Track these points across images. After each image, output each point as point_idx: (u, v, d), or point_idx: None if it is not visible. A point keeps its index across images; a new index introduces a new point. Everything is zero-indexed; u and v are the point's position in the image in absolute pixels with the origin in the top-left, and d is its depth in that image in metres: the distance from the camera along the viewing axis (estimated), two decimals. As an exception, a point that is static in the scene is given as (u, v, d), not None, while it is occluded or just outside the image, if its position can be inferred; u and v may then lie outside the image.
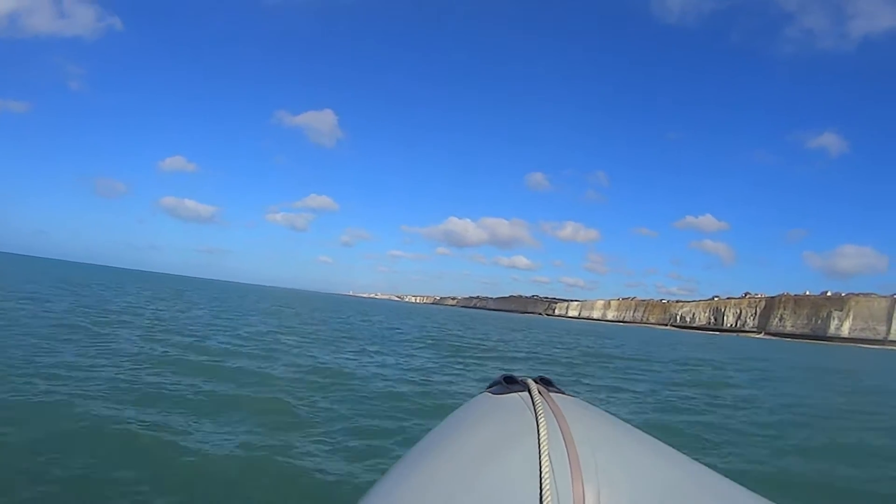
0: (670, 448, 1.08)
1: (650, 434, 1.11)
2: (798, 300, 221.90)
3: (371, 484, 1.02)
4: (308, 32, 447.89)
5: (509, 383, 1.20)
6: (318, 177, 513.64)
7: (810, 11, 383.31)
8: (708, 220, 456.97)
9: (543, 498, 0.89)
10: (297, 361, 11.25)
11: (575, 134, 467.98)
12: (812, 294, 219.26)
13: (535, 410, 1.05)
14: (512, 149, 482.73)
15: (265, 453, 5.17)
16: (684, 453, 1.08)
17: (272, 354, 11.90)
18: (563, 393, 1.17)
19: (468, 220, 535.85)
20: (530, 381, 1.17)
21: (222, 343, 12.95)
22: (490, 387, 1.24)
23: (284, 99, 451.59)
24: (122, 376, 7.73)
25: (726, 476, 1.03)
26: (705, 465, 1.05)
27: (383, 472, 1.06)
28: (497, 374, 1.27)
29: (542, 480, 0.91)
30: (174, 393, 7.15)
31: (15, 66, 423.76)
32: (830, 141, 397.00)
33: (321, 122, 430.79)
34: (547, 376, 1.22)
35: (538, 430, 0.99)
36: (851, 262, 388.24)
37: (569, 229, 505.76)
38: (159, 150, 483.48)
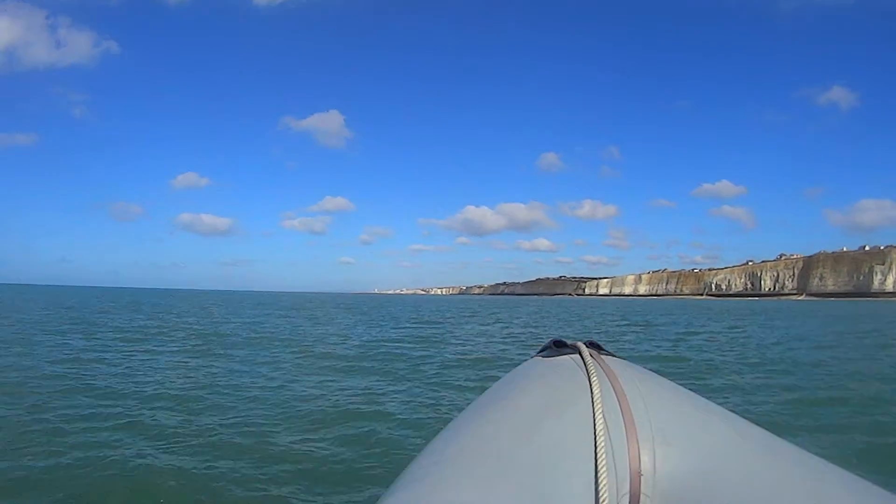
0: (724, 409, 1.06)
1: (703, 395, 1.10)
2: (837, 257, 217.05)
3: (426, 442, 1.04)
4: (305, 37, 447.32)
5: (559, 347, 1.20)
6: (331, 178, 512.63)
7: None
8: (725, 186, 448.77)
9: (598, 457, 0.90)
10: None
11: (582, 110, 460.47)
12: (850, 250, 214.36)
13: (587, 371, 1.05)
14: (521, 131, 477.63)
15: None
16: (740, 415, 1.05)
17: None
18: (614, 355, 1.17)
19: (486, 207, 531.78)
20: (580, 345, 1.17)
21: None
22: (540, 351, 1.24)
23: (289, 104, 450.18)
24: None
25: (788, 440, 1.01)
26: (761, 426, 1.03)
27: (436, 432, 1.07)
28: (546, 340, 1.27)
29: (597, 439, 0.92)
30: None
31: (17, 98, 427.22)
32: (839, 95, 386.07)
33: (328, 123, 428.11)
34: (596, 341, 1.20)
35: (591, 391, 0.99)
36: (872, 215, 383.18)
37: (587, 207, 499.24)
38: (170, 168, 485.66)
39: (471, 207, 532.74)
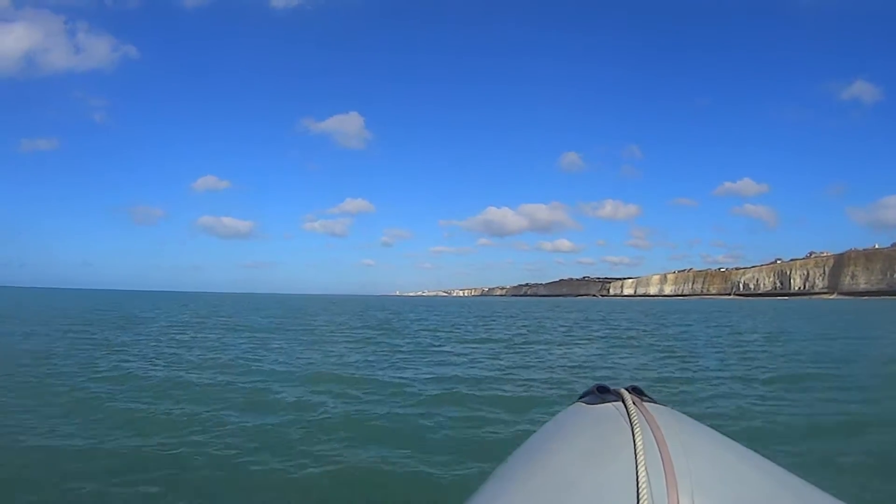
0: (767, 460, 1.07)
1: (746, 445, 1.10)
2: (869, 255, 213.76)
3: (471, 492, 1.06)
4: (323, 39, 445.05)
5: (602, 392, 1.21)
6: (351, 180, 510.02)
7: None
8: (747, 184, 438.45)
9: None
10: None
11: (603, 110, 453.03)
12: (883, 247, 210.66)
13: (630, 421, 1.06)
14: (542, 131, 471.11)
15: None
16: (782, 466, 1.06)
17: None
18: (656, 402, 1.17)
19: (507, 208, 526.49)
20: (623, 391, 1.18)
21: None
22: (582, 396, 1.26)
23: (308, 106, 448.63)
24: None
25: (826, 491, 1.00)
26: (804, 478, 1.03)
27: (482, 480, 1.09)
28: (590, 385, 1.28)
29: (640, 491, 0.91)
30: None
31: (38, 104, 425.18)
32: (862, 89, 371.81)
33: (348, 125, 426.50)
34: (638, 385, 1.22)
35: (634, 441, 1.00)
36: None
37: (608, 207, 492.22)
38: (190, 171, 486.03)
39: (492, 208, 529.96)
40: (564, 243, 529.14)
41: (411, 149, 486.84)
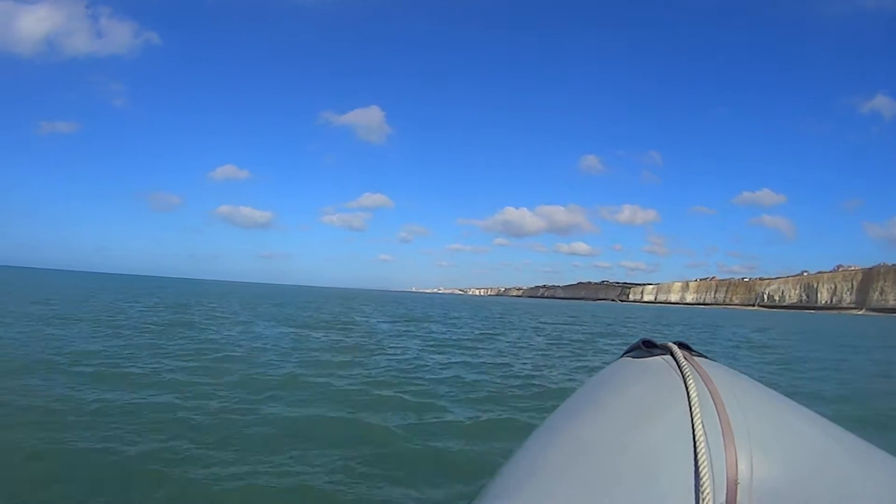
0: (824, 419, 1.04)
1: (798, 402, 1.07)
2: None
3: (519, 444, 1.04)
4: (345, 32, 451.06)
5: (649, 347, 1.18)
6: (371, 175, 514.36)
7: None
8: (765, 195, 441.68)
9: (699, 461, 0.88)
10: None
11: (624, 115, 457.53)
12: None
13: (682, 373, 1.03)
14: (563, 133, 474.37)
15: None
16: (835, 423, 1.03)
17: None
18: (706, 357, 1.14)
19: (525, 209, 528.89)
20: (672, 345, 1.15)
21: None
22: (628, 352, 1.22)
23: (329, 99, 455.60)
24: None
25: (879, 448, 0.99)
26: (865, 439, 1.01)
27: (528, 433, 1.07)
28: (636, 340, 1.24)
29: (696, 443, 0.90)
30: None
31: (59, 87, 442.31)
32: (882, 104, 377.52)
33: (368, 119, 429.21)
34: (686, 342, 1.17)
35: (688, 393, 0.97)
36: None
37: (626, 212, 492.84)
38: (209, 160, 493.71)
39: (510, 208, 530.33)
40: (581, 246, 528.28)
41: (431, 145, 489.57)
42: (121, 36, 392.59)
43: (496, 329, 22.10)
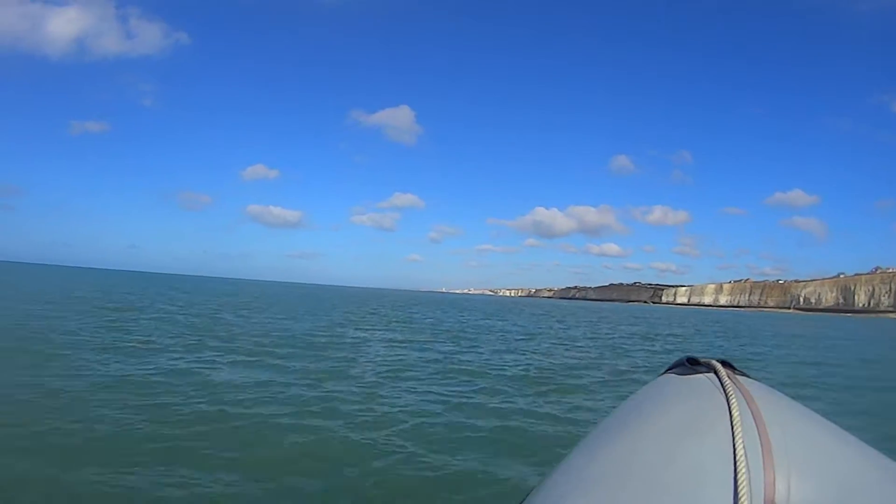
0: (866, 445, 1.03)
1: (839, 425, 1.07)
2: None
3: (561, 458, 1.05)
4: (375, 31, 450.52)
5: (693, 364, 1.19)
6: (401, 175, 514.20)
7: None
8: (798, 195, 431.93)
9: (739, 481, 0.88)
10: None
11: (656, 113, 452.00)
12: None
13: (725, 392, 1.04)
14: (593, 132, 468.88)
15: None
16: (876, 448, 1.02)
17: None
18: (749, 376, 1.15)
19: (555, 209, 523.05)
20: (715, 363, 1.15)
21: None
22: (671, 368, 1.24)
23: (359, 98, 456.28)
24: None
25: None
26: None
27: (571, 447, 1.08)
28: (680, 356, 1.25)
29: (737, 463, 0.90)
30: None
31: (89, 88, 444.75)
32: None
33: (398, 118, 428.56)
34: (728, 360, 1.19)
35: (731, 413, 0.98)
36: None
37: (657, 213, 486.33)
38: (239, 159, 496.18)
39: (540, 209, 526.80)
40: (612, 247, 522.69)
41: (461, 145, 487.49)
42: (150, 36, 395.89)
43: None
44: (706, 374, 1.14)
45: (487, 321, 30.32)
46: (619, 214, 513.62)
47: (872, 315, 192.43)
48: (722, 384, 1.07)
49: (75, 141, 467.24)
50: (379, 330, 19.46)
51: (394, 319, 26.03)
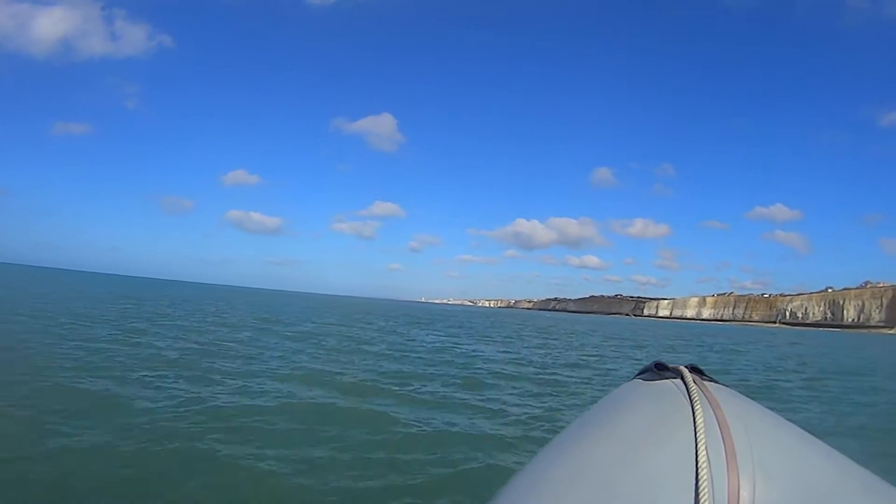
0: (832, 449, 1.03)
1: (805, 429, 1.08)
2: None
3: (523, 464, 1.05)
4: (358, 38, 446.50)
5: (660, 370, 1.19)
6: (382, 183, 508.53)
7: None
8: (779, 210, 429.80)
9: (700, 486, 0.88)
10: None
11: (638, 126, 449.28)
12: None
13: (689, 397, 1.04)
14: (575, 145, 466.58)
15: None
16: (841, 452, 1.03)
17: None
18: (716, 382, 1.15)
19: (536, 220, 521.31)
20: (683, 369, 1.16)
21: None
22: (640, 374, 1.24)
23: (341, 106, 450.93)
24: None
25: (884, 479, 0.97)
26: (871, 470, 1.00)
27: (534, 453, 1.08)
28: (648, 362, 1.26)
29: (699, 468, 0.90)
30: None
31: (73, 89, 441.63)
32: None
33: (380, 126, 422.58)
34: (697, 365, 1.19)
35: (694, 417, 0.98)
36: None
37: (638, 225, 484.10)
38: (221, 164, 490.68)
39: (521, 220, 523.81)
40: (592, 259, 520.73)
41: (443, 154, 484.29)
42: (135, 38, 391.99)
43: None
44: (673, 380, 1.14)
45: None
46: (600, 227, 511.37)
47: (863, 330, 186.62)
48: (688, 389, 1.07)
49: (59, 142, 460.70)
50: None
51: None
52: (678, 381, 1.12)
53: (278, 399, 8.21)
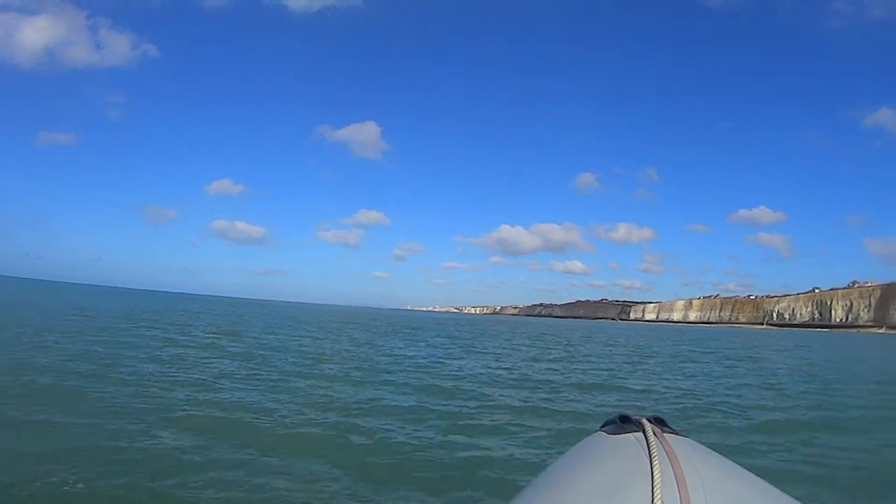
0: (785, 495, 1.06)
1: (765, 479, 1.10)
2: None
3: None
4: (342, 46, 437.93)
5: (624, 422, 1.21)
6: (367, 191, 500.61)
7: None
8: (763, 212, 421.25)
9: None
10: None
11: (622, 130, 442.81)
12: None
13: (649, 452, 1.05)
14: (559, 150, 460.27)
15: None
16: (799, 500, 1.05)
17: None
18: (677, 433, 1.17)
19: (520, 227, 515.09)
20: (645, 421, 1.17)
21: None
22: (604, 425, 1.26)
23: (325, 113, 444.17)
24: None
25: None
26: None
27: None
28: (613, 413, 1.27)
29: None
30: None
31: (58, 99, 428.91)
32: (886, 117, 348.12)
33: (364, 134, 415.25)
34: (661, 416, 1.21)
35: (652, 475, 0.99)
36: None
37: (622, 230, 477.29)
38: (204, 174, 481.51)
39: (506, 226, 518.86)
40: (576, 265, 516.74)
41: (427, 162, 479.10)
42: (119, 47, 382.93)
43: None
44: (634, 434, 1.15)
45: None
46: (584, 232, 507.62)
47: (852, 330, 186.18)
48: (648, 444, 1.08)
49: (43, 151, 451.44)
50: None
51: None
52: (640, 434, 1.12)
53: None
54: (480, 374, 14.46)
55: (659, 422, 1.18)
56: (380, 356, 18.26)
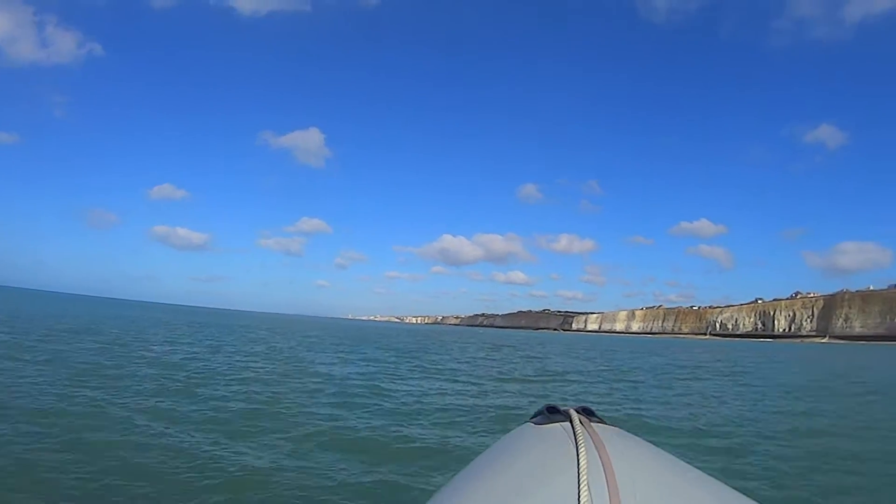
0: (713, 479, 1.07)
1: (693, 465, 1.11)
2: (865, 297, 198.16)
3: None
4: (288, 50, 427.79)
5: (551, 413, 1.21)
6: (309, 199, 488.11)
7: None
8: (704, 225, 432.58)
9: None
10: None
11: (565, 142, 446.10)
12: (879, 289, 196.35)
13: (576, 441, 1.06)
14: (502, 161, 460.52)
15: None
16: (728, 484, 1.06)
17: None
18: (605, 423, 1.18)
19: (462, 237, 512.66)
20: (572, 411, 1.19)
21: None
22: (533, 417, 1.26)
23: (269, 119, 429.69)
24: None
25: None
26: (751, 498, 1.03)
27: (425, 500, 1.08)
28: (541, 405, 1.28)
29: None
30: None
31: (1, 97, 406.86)
32: (827, 133, 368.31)
33: (308, 141, 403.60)
34: (588, 406, 1.22)
35: (578, 462, 1.00)
36: (852, 258, 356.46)
37: (564, 241, 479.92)
38: (147, 178, 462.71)
39: (448, 236, 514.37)
40: (518, 275, 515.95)
41: (370, 170, 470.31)
42: (65, 45, 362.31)
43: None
44: (561, 423, 1.15)
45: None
46: (526, 242, 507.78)
47: (796, 340, 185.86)
48: (575, 433, 1.09)
49: None
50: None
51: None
52: (566, 424, 1.13)
53: None
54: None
55: (587, 412, 1.17)
56: (306, 376, 14.37)
